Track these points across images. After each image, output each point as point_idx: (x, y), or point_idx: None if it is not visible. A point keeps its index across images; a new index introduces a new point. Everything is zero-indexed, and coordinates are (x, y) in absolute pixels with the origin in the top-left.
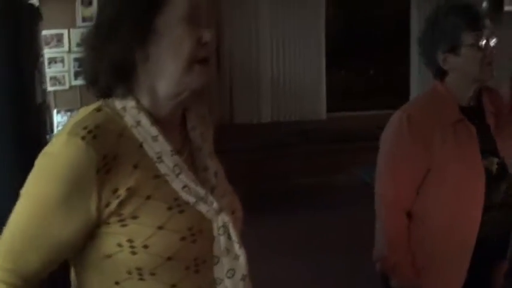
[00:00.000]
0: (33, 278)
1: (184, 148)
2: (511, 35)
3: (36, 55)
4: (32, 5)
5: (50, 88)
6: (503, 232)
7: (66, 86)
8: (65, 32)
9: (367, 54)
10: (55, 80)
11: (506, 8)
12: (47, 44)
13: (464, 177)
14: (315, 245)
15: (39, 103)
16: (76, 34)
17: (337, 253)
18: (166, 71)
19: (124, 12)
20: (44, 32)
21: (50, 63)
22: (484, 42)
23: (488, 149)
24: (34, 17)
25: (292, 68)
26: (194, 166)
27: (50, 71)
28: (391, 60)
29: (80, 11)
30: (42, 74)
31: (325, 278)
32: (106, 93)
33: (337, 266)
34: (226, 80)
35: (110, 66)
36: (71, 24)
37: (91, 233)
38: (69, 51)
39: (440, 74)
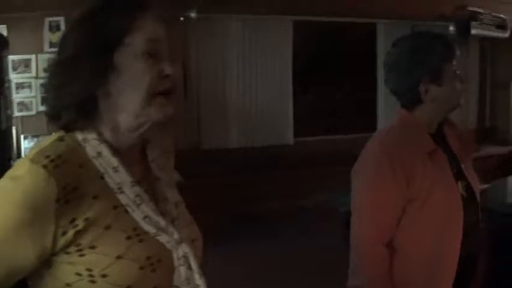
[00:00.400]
0: None
1: (145, 179)
2: (476, 58)
3: (1, 81)
4: None
5: (17, 113)
6: (475, 253)
7: (34, 112)
8: (33, 57)
9: (334, 79)
10: (22, 105)
11: (473, 31)
12: (15, 69)
13: (447, 204)
14: (282, 269)
15: (3, 129)
16: (44, 59)
17: (305, 276)
18: (128, 105)
19: (83, 50)
20: (12, 57)
21: (17, 88)
22: (459, 70)
23: (457, 173)
24: None
25: (259, 93)
26: (154, 197)
27: (17, 97)
28: (358, 84)
29: (47, 36)
30: (7, 100)
31: None
32: (68, 127)
33: None
34: (193, 106)
35: (72, 104)
36: (38, 50)
37: (46, 261)
38: (37, 76)
39: (414, 103)
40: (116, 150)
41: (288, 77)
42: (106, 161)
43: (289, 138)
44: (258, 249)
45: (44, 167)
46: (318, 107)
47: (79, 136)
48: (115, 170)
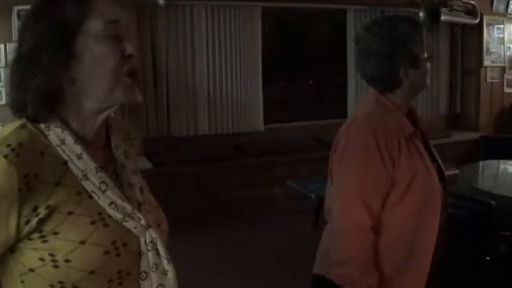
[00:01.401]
0: None
1: (108, 166)
2: (446, 45)
3: None
4: None
5: None
6: (443, 232)
7: (4, 101)
8: (1, 46)
9: (304, 65)
10: None
11: (443, 17)
12: None
13: (429, 185)
14: (251, 258)
15: None
16: (13, 48)
17: (274, 265)
18: (95, 90)
19: (42, 42)
20: None
21: None
22: (427, 50)
23: (429, 154)
24: None
25: (229, 80)
26: (119, 183)
27: None
28: (328, 71)
29: (16, 24)
30: None
31: None
32: (34, 118)
33: (274, 279)
34: (163, 93)
35: (37, 96)
36: (7, 39)
37: (10, 248)
38: (6, 66)
39: (393, 87)
40: (79, 138)
41: (258, 63)
42: (69, 149)
43: (260, 125)
44: (229, 237)
45: (5, 156)
46: (288, 94)
47: (42, 124)
48: (78, 157)
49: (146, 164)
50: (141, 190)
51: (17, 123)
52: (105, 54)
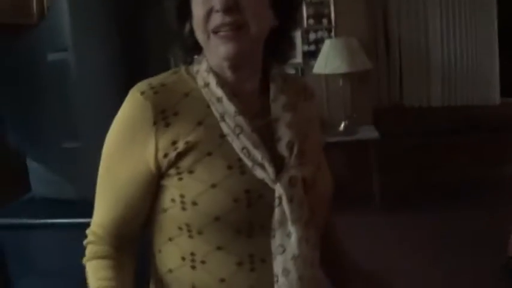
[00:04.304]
0: (117, 234)
1: (264, 116)
2: None
3: None
4: None
5: None
6: None
7: None
8: None
9: None
10: None
11: None
12: None
13: None
14: (482, 240)
15: None
16: None
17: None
18: (203, 45)
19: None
20: None
21: None
22: None
23: None
24: None
25: (463, 50)
26: (269, 136)
27: None
28: None
29: None
30: None
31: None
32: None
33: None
34: (395, 62)
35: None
36: None
37: (156, 184)
38: None
39: None
40: (224, 82)
41: (494, 33)
42: (212, 91)
43: (495, 98)
44: (450, 216)
45: (142, 93)
46: None
47: (195, 68)
48: (218, 100)
49: (373, 134)
50: (290, 144)
51: (175, 69)
52: (196, 9)
